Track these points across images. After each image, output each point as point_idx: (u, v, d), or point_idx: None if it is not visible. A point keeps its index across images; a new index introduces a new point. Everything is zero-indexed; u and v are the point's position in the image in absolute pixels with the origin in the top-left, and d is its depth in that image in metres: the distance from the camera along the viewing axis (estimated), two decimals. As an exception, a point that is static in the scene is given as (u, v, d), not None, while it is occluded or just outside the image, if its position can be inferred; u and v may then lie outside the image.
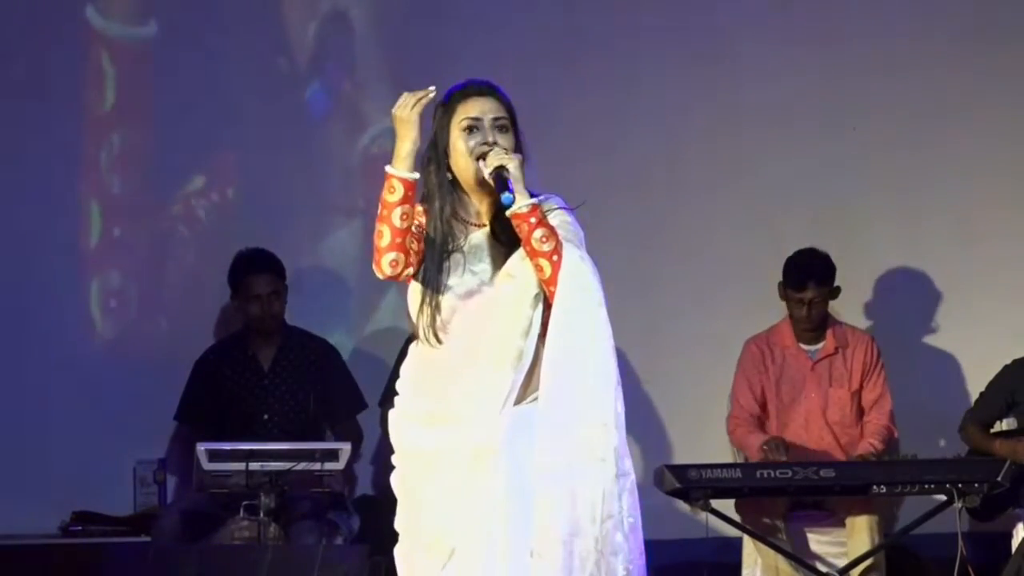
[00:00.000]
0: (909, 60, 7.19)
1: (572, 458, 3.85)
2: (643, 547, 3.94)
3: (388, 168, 3.92)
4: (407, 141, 3.92)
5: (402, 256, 3.94)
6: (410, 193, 3.92)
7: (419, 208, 4.02)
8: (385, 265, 3.95)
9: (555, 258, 3.91)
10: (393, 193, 3.91)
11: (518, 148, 4.01)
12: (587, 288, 3.92)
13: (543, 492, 3.84)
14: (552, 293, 3.92)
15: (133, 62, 7.09)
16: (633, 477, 3.94)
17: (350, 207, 7.14)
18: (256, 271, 6.63)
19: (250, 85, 7.08)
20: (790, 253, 6.66)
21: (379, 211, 3.93)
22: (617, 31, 7.14)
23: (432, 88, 3.94)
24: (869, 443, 6.47)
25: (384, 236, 3.94)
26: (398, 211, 3.91)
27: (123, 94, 7.08)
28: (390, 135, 3.98)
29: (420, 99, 3.91)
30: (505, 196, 3.89)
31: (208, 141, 7.09)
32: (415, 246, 3.97)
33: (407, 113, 3.91)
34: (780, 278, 6.59)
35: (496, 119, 4.00)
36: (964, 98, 7.20)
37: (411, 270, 3.98)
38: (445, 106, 4.04)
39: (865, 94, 7.18)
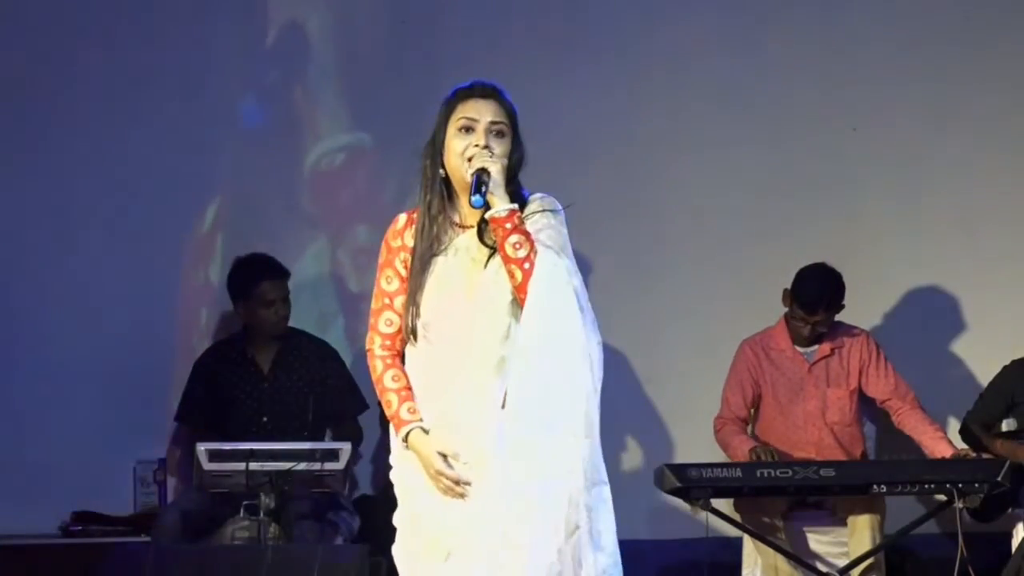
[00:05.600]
0: (910, 60, 7.18)
1: (536, 470, 3.82)
2: (618, 557, 3.91)
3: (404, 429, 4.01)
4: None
5: None
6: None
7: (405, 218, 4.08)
8: None
9: (527, 265, 3.89)
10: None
11: (516, 154, 4.00)
12: (558, 294, 3.88)
13: (508, 505, 3.82)
14: (523, 300, 3.90)
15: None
16: (608, 487, 3.90)
17: (351, 210, 7.16)
18: (269, 277, 6.62)
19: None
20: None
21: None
22: (617, 32, 7.14)
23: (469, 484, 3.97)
24: (947, 442, 6.35)
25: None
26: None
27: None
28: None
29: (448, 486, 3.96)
30: (475, 199, 3.87)
31: (205, 144, 7.09)
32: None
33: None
34: (781, 278, 6.58)
35: (493, 123, 3.99)
36: (966, 96, 7.19)
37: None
38: (448, 103, 4.04)
39: (867, 94, 7.17)
